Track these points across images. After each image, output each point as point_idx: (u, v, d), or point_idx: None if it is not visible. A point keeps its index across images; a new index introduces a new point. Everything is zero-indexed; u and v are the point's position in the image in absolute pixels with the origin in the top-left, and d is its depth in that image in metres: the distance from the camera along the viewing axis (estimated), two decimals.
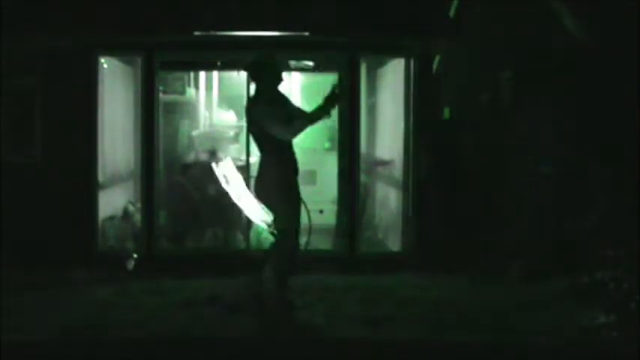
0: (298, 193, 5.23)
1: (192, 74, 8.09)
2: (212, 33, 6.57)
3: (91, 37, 6.57)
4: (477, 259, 6.30)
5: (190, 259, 6.68)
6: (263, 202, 5.47)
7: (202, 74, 8.26)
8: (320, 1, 6.59)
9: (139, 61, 6.87)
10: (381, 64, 7.70)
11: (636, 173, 6.15)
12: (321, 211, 7.37)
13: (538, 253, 6.34)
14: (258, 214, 6.40)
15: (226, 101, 8.35)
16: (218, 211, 7.19)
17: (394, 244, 7.03)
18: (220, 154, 7.63)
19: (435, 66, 6.67)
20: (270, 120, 4.95)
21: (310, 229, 6.52)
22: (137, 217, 7.04)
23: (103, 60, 6.86)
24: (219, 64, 7.39)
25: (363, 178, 7.23)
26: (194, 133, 7.99)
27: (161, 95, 7.10)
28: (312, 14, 6.52)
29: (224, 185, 6.70)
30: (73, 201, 6.57)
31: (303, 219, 5.48)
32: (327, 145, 8.11)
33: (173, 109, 7.89)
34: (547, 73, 6.58)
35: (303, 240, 6.76)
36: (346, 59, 6.67)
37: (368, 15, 6.53)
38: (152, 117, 6.73)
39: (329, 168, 7.08)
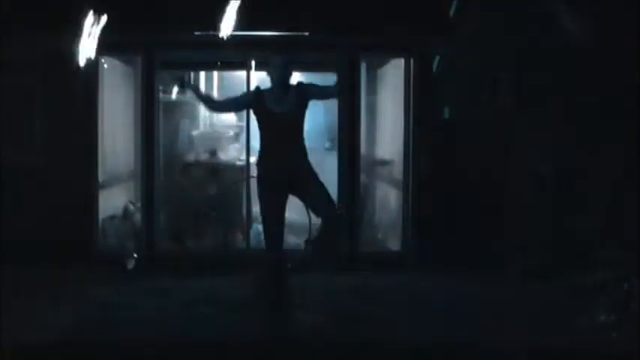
0: None
1: (192, 74, 8.08)
2: (212, 33, 6.56)
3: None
4: (478, 259, 6.30)
5: (190, 259, 6.67)
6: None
7: (202, 74, 8.25)
8: (320, 1, 6.59)
9: (139, 60, 6.87)
10: (381, 64, 7.70)
11: (636, 173, 6.15)
12: None
13: (538, 253, 6.34)
14: None
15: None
16: (218, 211, 7.19)
17: (394, 244, 7.03)
18: (220, 154, 7.64)
19: (435, 66, 6.66)
20: None
21: (310, 229, 6.51)
22: (137, 217, 7.04)
23: (103, 60, 6.86)
24: (219, 64, 7.39)
25: (363, 178, 7.23)
26: (194, 133, 7.98)
27: (161, 95, 7.09)
28: (312, 14, 6.52)
29: None
30: (73, 201, 6.57)
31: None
32: (327, 145, 8.11)
33: (173, 109, 7.89)
34: (547, 73, 6.58)
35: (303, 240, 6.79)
36: (346, 59, 6.67)
37: (368, 15, 6.53)
38: (152, 117, 6.73)
39: (329, 168, 7.08)
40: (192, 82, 5.23)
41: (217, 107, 5.56)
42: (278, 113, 5.23)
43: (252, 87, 5.62)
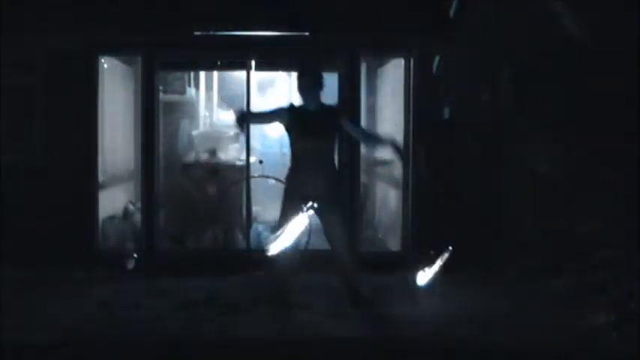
0: None
1: (192, 74, 8.09)
2: (212, 33, 6.57)
3: (91, 37, 6.56)
4: (477, 258, 6.30)
5: (190, 259, 6.68)
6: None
7: (202, 74, 8.26)
8: (320, 0, 6.59)
9: (139, 61, 6.87)
10: (381, 63, 7.70)
11: (636, 173, 6.15)
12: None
13: (538, 253, 6.34)
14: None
15: (226, 101, 8.35)
16: (218, 211, 7.20)
17: (394, 243, 7.03)
18: (220, 154, 7.64)
19: (435, 66, 6.67)
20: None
21: (310, 229, 6.51)
22: (137, 217, 7.04)
23: (103, 60, 6.87)
24: (219, 63, 7.40)
25: (363, 178, 7.23)
26: (194, 133, 7.99)
27: (161, 95, 7.10)
28: (312, 14, 6.52)
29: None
30: (73, 201, 6.57)
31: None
32: None
33: (173, 109, 7.90)
34: (547, 73, 6.58)
35: (303, 240, 6.79)
36: (346, 59, 6.68)
37: (368, 15, 6.53)
38: (152, 117, 6.74)
39: None
40: (249, 114, 5.27)
41: (263, 124, 5.58)
42: (308, 132, 5.24)
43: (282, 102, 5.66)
